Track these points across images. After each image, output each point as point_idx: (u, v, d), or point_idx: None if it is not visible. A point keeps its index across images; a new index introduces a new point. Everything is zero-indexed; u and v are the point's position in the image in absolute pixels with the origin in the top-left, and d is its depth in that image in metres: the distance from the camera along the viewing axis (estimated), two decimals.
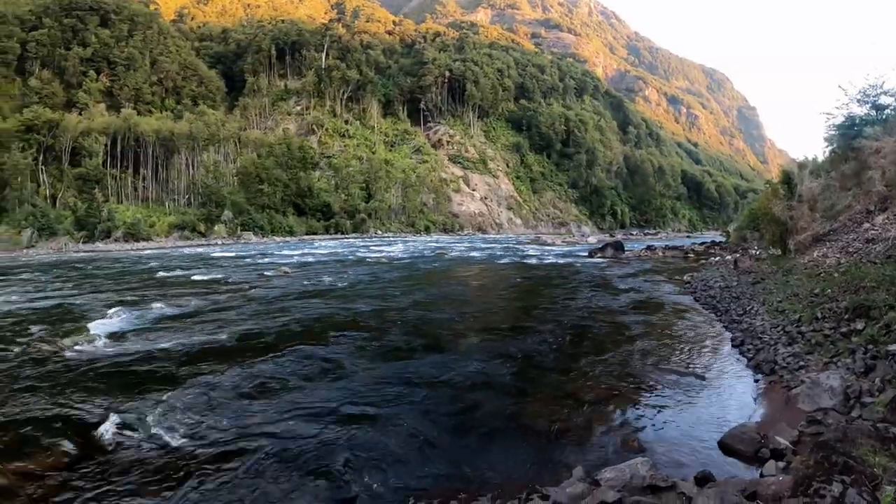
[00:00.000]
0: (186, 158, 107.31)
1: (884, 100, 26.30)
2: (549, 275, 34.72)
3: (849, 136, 27.12)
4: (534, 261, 46.16)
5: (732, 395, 10.78)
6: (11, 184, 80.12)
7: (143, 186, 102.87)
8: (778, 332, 13.96)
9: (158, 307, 20.51)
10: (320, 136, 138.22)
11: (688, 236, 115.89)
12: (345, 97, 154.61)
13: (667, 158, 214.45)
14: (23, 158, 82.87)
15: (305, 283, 29.09)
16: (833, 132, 28.85)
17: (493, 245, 75.13)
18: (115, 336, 15.56)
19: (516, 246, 71.92)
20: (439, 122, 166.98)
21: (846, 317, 12.64)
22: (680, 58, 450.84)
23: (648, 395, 10.77)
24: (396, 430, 9.00)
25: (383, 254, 55.19)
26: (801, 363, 11.45)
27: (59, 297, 23.51)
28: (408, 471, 7.71)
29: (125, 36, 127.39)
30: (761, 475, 7.25)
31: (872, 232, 20.19)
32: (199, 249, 66.21)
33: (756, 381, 11.44)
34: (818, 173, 29.54)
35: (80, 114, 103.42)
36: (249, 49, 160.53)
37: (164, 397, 10.29)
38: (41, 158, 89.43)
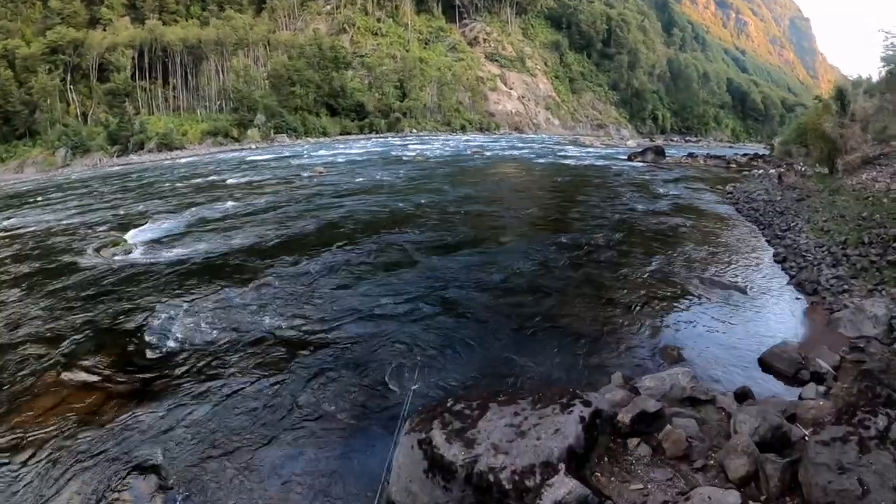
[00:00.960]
0: (216, 65, 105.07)
1: None
2: (588, 176, 34.11)
3: None
4: (572, 162, 45.31)
5: (774, 312, 10.69)
6: (41, 106, 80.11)
7: (174, 96, 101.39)
8: (822, 252, 13.71)
9: (193, 212, 20.74)
10: (352, 36, 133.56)
11: (730, 146, 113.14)
12: None
13: (712, 64, 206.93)
14: (50, 80, 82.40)
15: (340, 182, 29.03)
16: (893, 52, 27.74)
17: (530, 145, 73.58)
18: (151, 244, 15.82)
19: (554, 146, 70.52)
20: (475, 19, 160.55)
21: (894, 245, 12.39)
22: None
23: (690, 304, 10.75)
24: (441, 331, 9.13)
25: (418, 152, 54.12)
26: (845, 287, 11.30)
27: (96, 211, 23.82)
28: (450, 371, 7.86)
29: None
30: (800, 397, 7.19)
31: None
32: (233, 154, 65.86)
33: (797, 299, 11.33)
34: (873, 93, 28.42)
35: (105, 30, 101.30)
36: None
37: (191, 303, 10.57)
38: (69, 78, 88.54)
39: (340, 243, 14.52)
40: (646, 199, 23.89)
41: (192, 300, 10.69)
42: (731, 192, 26.71)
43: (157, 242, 15.91)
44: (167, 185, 33.25)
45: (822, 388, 7.43)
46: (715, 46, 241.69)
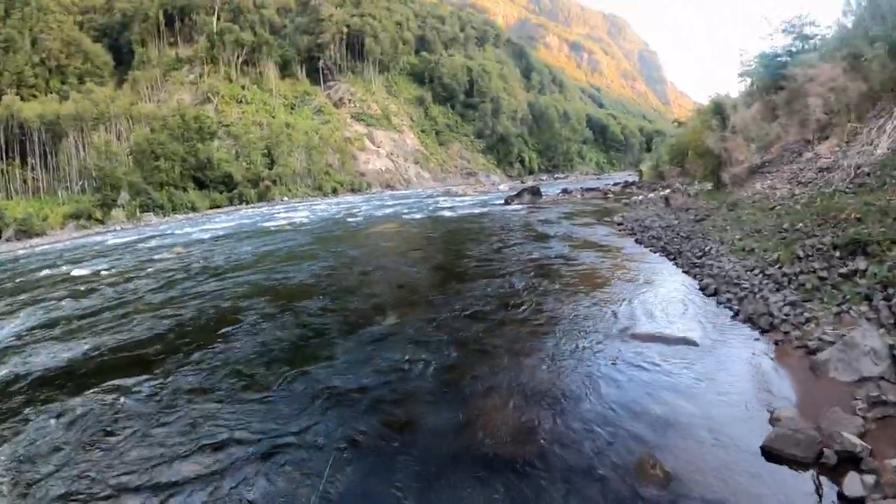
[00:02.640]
0: (76, 142, 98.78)
1: (809, 30, 26.18)
2: (468, 226, 31.99)
3: (773, 66, 26.51)
4: (448, 213, 43.34)
5: (739, 366, 8.29)
6: None
7: (33, 177, 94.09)
8: (756, 275, 11.76)
9: (21, 317, 16.89)
10: (217, 105, 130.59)
11: (597, 177, 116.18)
12: (240, 61, 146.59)
13: (571, 103, 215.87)
14: None
15: (197, 264, 25.20)
16: (752, 66, 28.78)
17: (403, 201, 71.37)
18: None
19: (428, 199, 68.55)
20: (339, 81, 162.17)
21: (837, 255, 10.54)
22: (580, 4, 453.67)
23: (640, 379, 8.16)
24: (293, 471, 6.32)
25: (287, 220, 51.24)
26: (806, 314, 9.26)
27: None
28: None
29: (2, 16, 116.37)
30: (843, 496, 4.98)
31: (824, 160, 18.44)
32: (96, 238, 59.71)
33: (756, 340, 9.11)
34: (748, 103, 28.72)
35: None
36: (136, 18, 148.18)
37: None
38: None
39: (174, 353, 11.21)
40: (538, 245, 21.65)
41: None
42: (622, 223, 25.14)
43: None
44: (4, 280, 28.88)
45: (869, 479, 5.08)
46: (572, 86, 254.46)
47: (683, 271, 14.57)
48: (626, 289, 13.50)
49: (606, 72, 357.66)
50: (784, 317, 9.39)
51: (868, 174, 14.11)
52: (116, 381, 9.66)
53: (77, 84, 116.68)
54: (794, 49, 26.37)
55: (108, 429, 8.00)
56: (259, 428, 7.63)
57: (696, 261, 14.83)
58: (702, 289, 12.47)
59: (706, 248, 15.62)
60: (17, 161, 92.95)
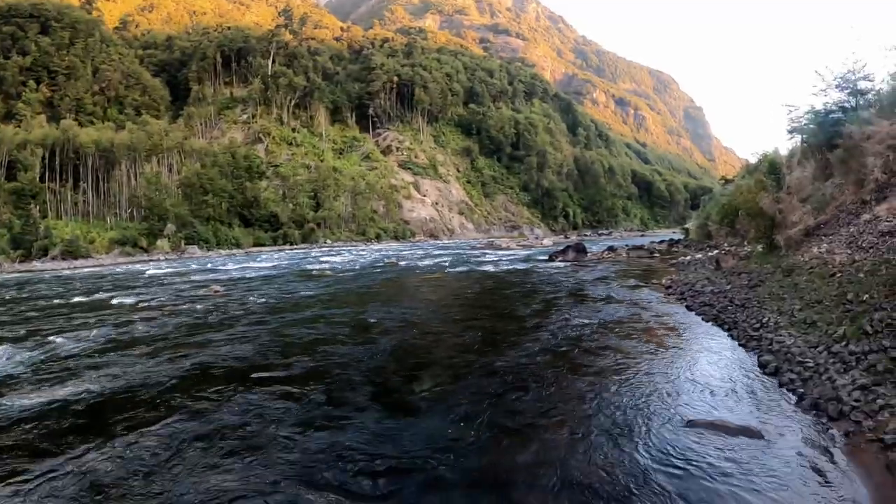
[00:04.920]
0: (128, 170, 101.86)
1: (863, 84, 25.02)
2: (512, 284, 31.20)
3: (827, 123, 25.38)
4: (491, 268, 42.65)
5: (809, 463, 7.45)
6: None
7: (84, 200, 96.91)
8: (822, 353, 10.87)
9: (45, 343, 16.68)
10: (267, 145, 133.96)
11: (642, 235, 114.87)
12: (292, 104, 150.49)
13: (616, 159, 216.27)
14: None
15: (233, 306, 25.08)
16: (801, 122, 27.43)
17: (445, 251, 71.76)
18: None
19: (470, 252, 68.54)
20: (388, 128, 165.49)
21: None
22: (627, 60, 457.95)
23: (698, 477, 7.31)
24: None
25: (329, 265, 51.42)
26: (879, 401, 8.39)
27: None
28: None
29: (66, 44, 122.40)
30: None
31: (886, 224, 17.50)
32: (138, 266, 61.68)
33: (827, 431, 8.24)
34: (801, 163, 27.79)
35: (19, 125, 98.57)
36: (194, 56, 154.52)
37: None
38: None
39: (190, 404, 10.64)
40: (584, 310, 20.65)
41: None
42: (671, 286, 24.33)
43: None
44: (44, 301, 29.26)
45: None
46: (617, 142, 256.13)
47: (740, 344, 13.67)
48: (678, 364, 12.63)
49: (652, 127, 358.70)
50: (854, 403, 8.57)
51: None
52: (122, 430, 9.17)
53: (133, 115, 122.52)
54: (847, 105, 25.38)
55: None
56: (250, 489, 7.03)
57: (753, 333, 13.93)
58: (761, 366, 11.58)
59: (763, 319, 14.68)
60: (70, 184, 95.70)
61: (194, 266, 56.98)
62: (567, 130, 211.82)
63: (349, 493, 7.23)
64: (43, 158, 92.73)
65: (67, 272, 56.99)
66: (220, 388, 11.77)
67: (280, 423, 9.63)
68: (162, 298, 28.40)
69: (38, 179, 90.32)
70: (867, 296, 12.07)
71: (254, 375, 12.72)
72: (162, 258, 77.60)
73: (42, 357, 14.89)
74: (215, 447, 8.63)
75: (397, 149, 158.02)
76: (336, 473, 7.75)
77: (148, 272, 51.27)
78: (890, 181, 20.46)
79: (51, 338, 17.40)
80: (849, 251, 17.23)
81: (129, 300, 27.98)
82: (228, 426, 9.48)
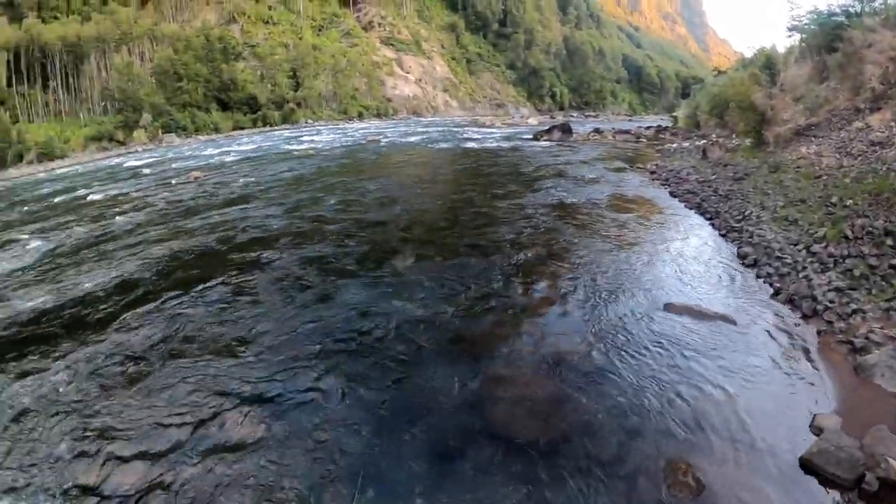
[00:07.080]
0: (98, 63, 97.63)
1: None
2: (496, 162, 30.97)
3: (829, 25, 25.26)
4: (475, 145, 42.29)
5: (780, 354, 7.71)
6: None
7: (55, 100, 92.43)
8: (801, 251, 11.04)
9: (32, 245, 16.36)
10: (242, 25, 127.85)
11: (629, 119, 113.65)
12: None
13: (607, 41, 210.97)
14: None
15: (214, 191, 24.55)
16: (803, 21, 27.34)
17: (429, 129, 69.92)
18: None
19: (455, 129, 66.99)
20: (369, 3, 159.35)
21: (889, 243, 9.91)
22: None
23: (673, 357, 7.63)
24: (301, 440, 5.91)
25: (311, 145, 50.31)
26: (852, 305, 8.63)
27: None
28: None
29: None
30: None
31: (878, 134, 17.54)
32: (116, 160, 58.97)
33: (797, 325, 8.51)
34: (798, 61, 27.51)
35: None
36: None
37: None
38: None
39: (177, 290, 10.59)
40: (569, 189, 20.82)
41: None
42: (656, 172, 24.29)
43: None
44: (21, 204, 28.01)
45: None
46: (609, 24, 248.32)
47: (721, 234, 13.88)
48: (659, 248, 12.93)
49: (647, 11, 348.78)
50: (829, 304, 8.79)
51: None
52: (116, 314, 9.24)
53: (99, 4, 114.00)
54: (852, 10, 24.90)
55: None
56: (246, 376, 7.24)
57: (735, 224, 14.12)
58: (740, 257, 11.84)
59: (746, 212, 14.83)
60: (39, 84, 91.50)
61: (171, 154, 55.40)
62: (557, 9, 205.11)
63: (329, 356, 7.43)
64: (8, 63, 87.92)
65: (44, 175, 55.15)
66: (200, 273, 11.81)
67: (269, 303, 9.87)
68: (140, 189, 27.67)
69: (5, 84, 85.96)
70: (851, 201, 12.19)
71: (234, 257, 12.79)
72: (140, 149, 73.96)
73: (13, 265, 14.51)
74: (197, 327, 8.81)
75: (379, 24, 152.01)
76: (321, 339, 7.95)
77: (125, 164, 50.02)
78: (886, 92, 20.37)
79: (30, 242, 16.93)
80: (837, 156, 17.32)
81: (104, 195, 27.21)
82: (214, 310, 9.62)
